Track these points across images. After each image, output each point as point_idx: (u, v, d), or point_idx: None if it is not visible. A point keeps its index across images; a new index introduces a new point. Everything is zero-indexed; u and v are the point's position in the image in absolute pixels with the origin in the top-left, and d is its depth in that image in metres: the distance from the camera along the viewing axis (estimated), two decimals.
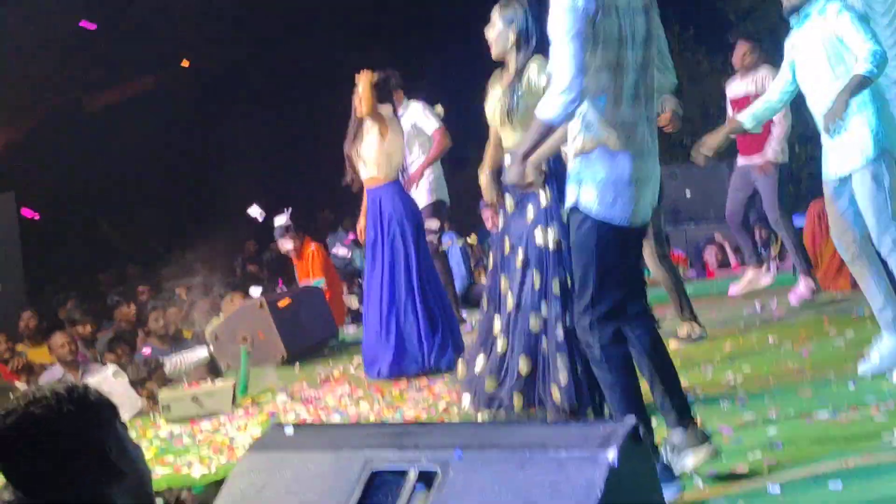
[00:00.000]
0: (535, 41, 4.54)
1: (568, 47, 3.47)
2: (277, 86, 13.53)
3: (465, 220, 11.61)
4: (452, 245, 9.35)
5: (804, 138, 14.04)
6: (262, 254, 11.41)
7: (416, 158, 7.68)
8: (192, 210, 7.40)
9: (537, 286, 4.57)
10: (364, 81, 6.40)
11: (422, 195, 7.68)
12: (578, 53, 3.46)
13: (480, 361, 4.71)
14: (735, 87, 7.60)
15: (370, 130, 6.48)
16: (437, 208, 7.89)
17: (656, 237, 6.21)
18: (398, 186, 6.60)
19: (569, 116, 3.55)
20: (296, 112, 13.60)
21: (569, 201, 3.69)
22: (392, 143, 6.48)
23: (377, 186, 6.55)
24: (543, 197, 4.56)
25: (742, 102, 6.99)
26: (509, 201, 4.73)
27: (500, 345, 4.67)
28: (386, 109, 6.56)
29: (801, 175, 11.33)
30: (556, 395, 4.47)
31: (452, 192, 8.18)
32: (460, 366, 4.87)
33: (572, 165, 3.70)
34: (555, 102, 3.49)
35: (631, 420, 2.56)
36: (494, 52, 4.70)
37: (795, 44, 5.04)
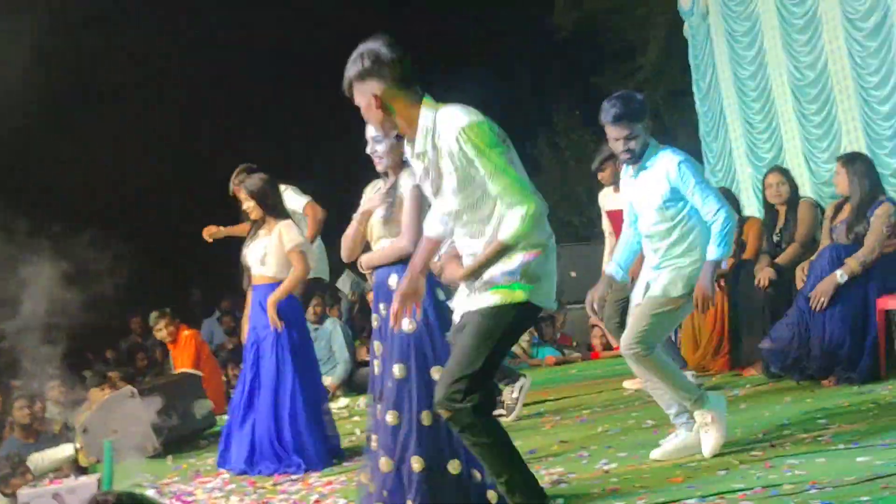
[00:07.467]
0: None
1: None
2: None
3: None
4: (335, 328, 9.21)
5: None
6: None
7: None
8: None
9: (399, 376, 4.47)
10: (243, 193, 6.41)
11: None
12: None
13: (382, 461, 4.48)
14: (610, 200, 7.66)
15: (261, 232, 6.43)
16: (311, 286, 7.84)
17: None
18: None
19: None
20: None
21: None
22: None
23: (261, 285, 6.46)
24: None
25: (618, 214, 6.87)
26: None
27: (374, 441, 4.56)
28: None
29: None
30: None
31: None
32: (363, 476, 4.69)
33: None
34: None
35: None
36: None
37: (633, 191, 5.30)
